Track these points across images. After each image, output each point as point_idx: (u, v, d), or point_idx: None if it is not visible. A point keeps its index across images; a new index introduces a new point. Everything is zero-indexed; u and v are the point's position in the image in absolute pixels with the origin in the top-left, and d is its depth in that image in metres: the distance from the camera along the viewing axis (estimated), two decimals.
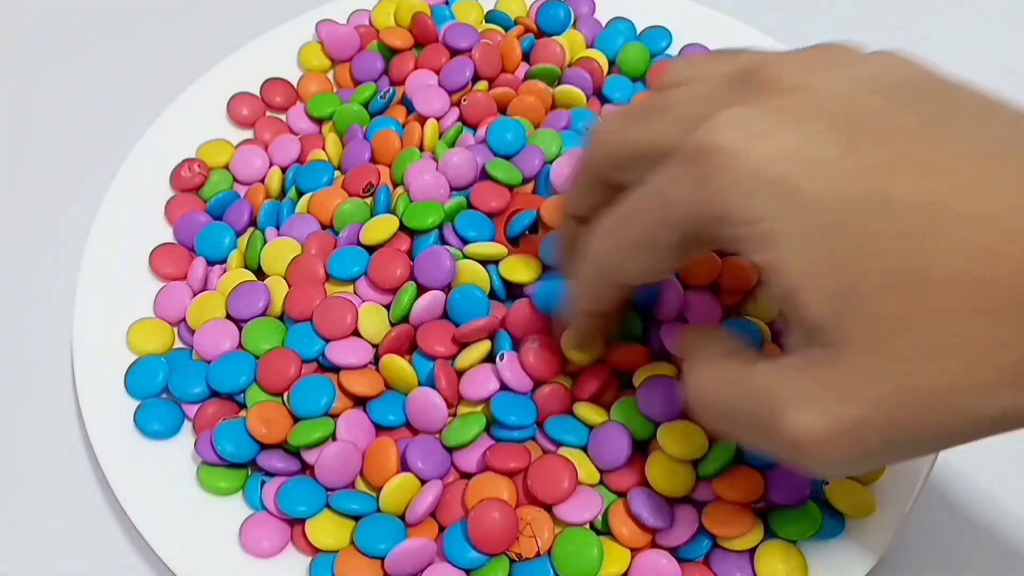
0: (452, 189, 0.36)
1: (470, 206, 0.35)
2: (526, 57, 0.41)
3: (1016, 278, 0.18)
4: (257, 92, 0.41)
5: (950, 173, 0.19)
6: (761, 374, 0.21)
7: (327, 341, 0.33)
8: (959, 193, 0.18)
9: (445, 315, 0.33)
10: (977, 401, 0.18)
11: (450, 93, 0.39)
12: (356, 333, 0.33)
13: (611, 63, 0.42)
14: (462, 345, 0.32)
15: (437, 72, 0.40)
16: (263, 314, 0.34)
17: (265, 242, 0.35)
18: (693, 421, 0.31)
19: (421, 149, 0.37)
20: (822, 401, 0.20)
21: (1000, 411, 0.18)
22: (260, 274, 0.35)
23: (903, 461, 0.20)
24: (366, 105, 0.40)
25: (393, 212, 0.35)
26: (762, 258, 0.20)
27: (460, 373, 0.32)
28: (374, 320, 0.33)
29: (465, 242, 0.34)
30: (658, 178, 0.23)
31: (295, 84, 0.42)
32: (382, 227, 0.34)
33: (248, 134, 0.41)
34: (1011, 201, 0.18)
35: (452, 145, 0.37)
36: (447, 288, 0.33)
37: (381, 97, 0.40)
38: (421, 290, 0.33)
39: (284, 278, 0.34)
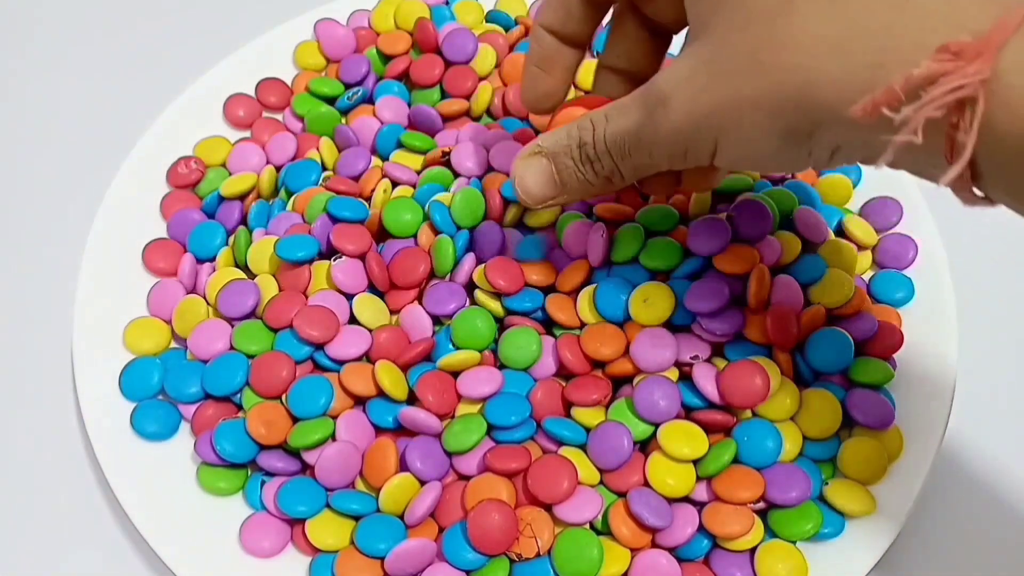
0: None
1: (400, 144, 0.38)
2: None
3: None
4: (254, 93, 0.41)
5: None
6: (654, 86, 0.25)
7: (315, 347, 0.32)
8: None
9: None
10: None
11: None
12: (353, 321, 0.33)
13: None
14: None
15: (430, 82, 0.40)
16: (252, 312, 0.34)
17: (251, 240, 0.35)
18: (692, 422, 0.31)
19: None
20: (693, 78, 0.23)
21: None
22: (250, 272, 0.35)
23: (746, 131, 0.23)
24: (333, 103, 0.40)
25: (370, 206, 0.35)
26: None
27: (455, 373, 0.32)
28: (371, 309, 0.33)
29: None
30: None
31: (291, 83, 0.42)
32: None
33: (248, 135, 0.41)
34: None
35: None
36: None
37: (348, 98, 0.40)
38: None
39: (273, 276, 0.34)
